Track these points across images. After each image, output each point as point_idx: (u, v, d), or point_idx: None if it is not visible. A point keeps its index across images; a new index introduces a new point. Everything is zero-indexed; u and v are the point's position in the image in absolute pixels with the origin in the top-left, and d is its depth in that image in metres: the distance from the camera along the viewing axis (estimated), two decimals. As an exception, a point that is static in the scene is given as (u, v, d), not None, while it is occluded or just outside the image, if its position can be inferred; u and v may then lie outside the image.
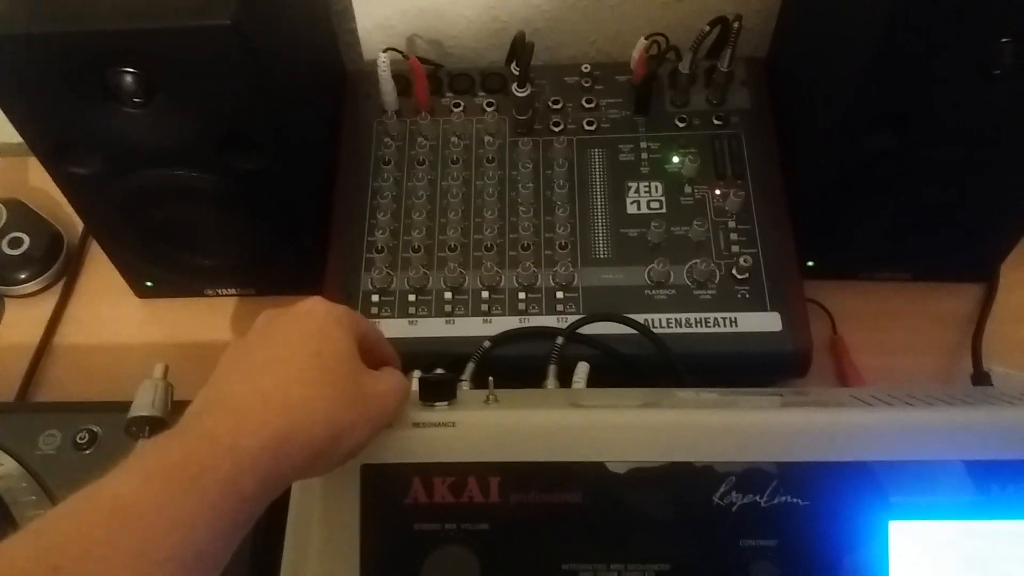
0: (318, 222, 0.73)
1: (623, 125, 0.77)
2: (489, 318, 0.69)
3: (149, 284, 0.79)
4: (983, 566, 0.45)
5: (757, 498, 0.44)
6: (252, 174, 0.65)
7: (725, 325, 0.67)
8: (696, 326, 0.67)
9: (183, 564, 0.33)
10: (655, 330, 0.67)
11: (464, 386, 0.63)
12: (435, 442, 0.47)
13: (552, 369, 0.64)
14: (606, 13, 0.83)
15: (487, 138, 0.76)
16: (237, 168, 0.64)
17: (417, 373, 0.53)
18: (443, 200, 0.73)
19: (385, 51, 0.75)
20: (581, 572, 0.45)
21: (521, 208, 0.73)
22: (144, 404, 0.57)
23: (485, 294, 0.70)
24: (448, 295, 0.70)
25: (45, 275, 0.82)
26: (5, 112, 0.61)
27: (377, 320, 0.69)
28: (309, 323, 0.43)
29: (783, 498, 0.44)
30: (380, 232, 0.72)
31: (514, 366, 0.66)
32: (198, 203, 0.68)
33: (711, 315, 0.68)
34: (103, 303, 0.82)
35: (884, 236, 0.71)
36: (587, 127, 0.76)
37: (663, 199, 0.73)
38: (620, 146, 0.76)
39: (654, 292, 0.69)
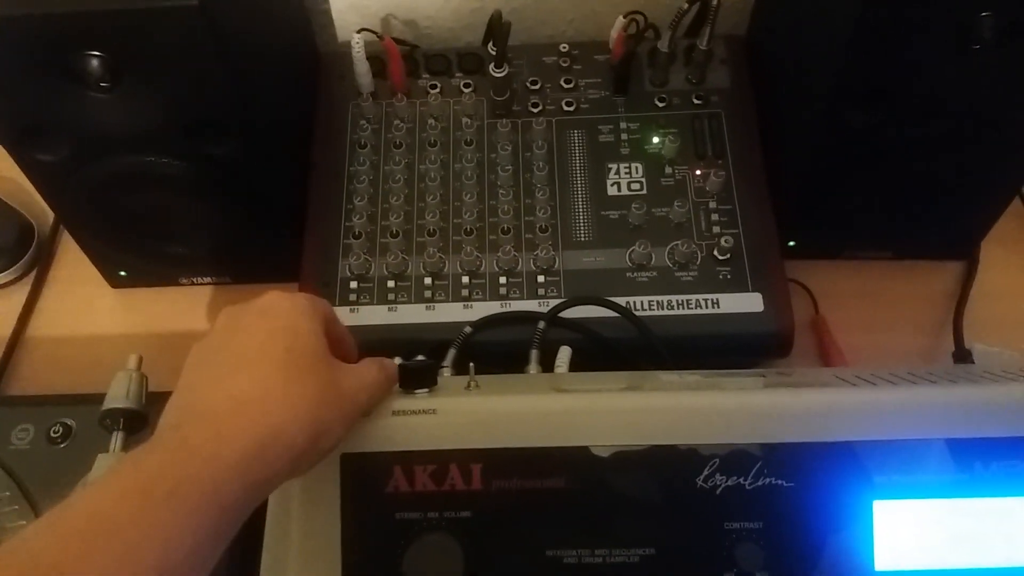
0: (294, 208, 0.72)
1: (602, 105, 0.76)
2: (470, 303, 0.68)
3: (123, 274, 0.77)
4: (968, 544, 0.45)
5: (741, 480, 0.44)
6: (223, 159, 0.63)
7: (707, 306, 0.67)
8: (678, 308, 0.67)
9: (162, 573, 0.32)
10: (637, 312, 0.66)
11: (445, 372, 0.62)
12: (416, 430, 0.46)
13: (534, 354, 0.63)
14: (584, -9, 0.82)
15: (465, 120, 0.75)
16: (208, 153, 0.63)
17: (397, 360, 0.52)
18: (421, 184, 0.72)
19: (359, 32, 0.74)
20: (565, 558, 0.45)
21: (500, 191, 0.72)
22: (118, 396, 0.56)
23: (465, 279, 0.69)
24: (428, 280, 0.69)
25: (16, 266, 0.80)
26: (-32, 98, 0.60)
27: (356, 307, 0.68)
28: (274, 319, 0.42)
29: (767, 480, 0.44)
30: (357, 217, 0.70)
31: (496, 351, 0.65)
32: (169, 190, 0.66)
33: (693, 297, 0.67)
34: (76, 294, 0.80)
35: (865, 215, 0.71)
36: (566, 108, 0.75)
37: (643, 180, 0.72)
38: (600, 127, 0.75)
39: (636, 274, 0.68)
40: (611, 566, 0.44)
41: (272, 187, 0.69)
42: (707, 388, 0.50)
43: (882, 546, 0.44)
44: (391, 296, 0.68)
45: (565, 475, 0.45)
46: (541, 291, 0.68)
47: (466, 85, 0.76)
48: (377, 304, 0.68)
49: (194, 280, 0.78)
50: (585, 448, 0.45)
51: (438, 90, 0.76)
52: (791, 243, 0.73)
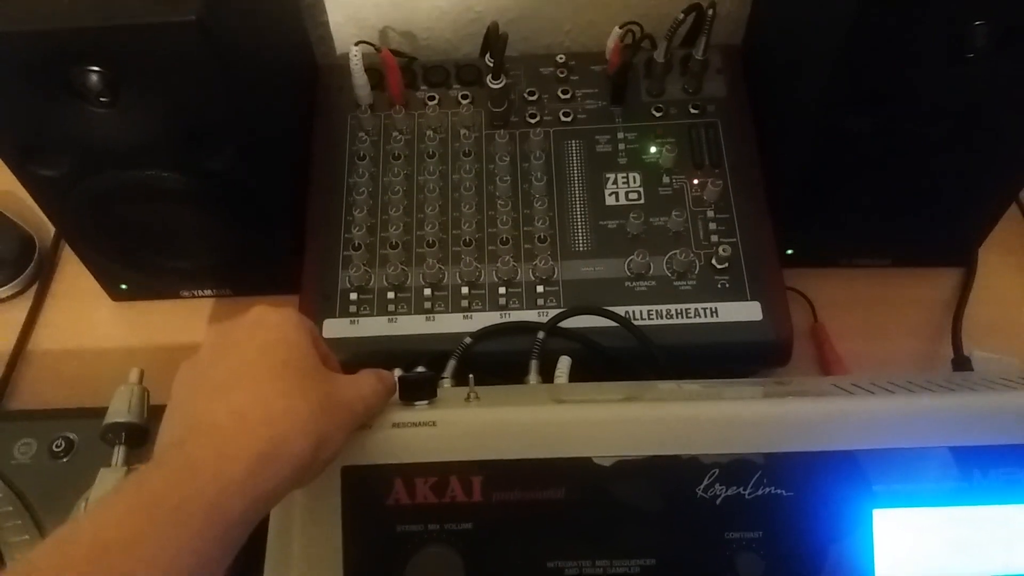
0: (293, 220, 0.72)
1: (599, 116, 0.76)
2: (470, 314, 0.68)
3: (124, 287, 0.78)
4: (968, 552, 0.45)
5: (741, 490, 0.44)
6: (222, 173, 0.64)
7: (705, 315, 0.67)
8: (677, 317, 0.67)
9: None
10: (636, 322, 0.66)
11: (445, 383, 0.62)
12: (416, 442, 0.46)
13: (534, 364, 0.63)
14: (580, 1, 0.82)
15: (463, 131, 0.75)
16: (207, 167, 0.63)
17: (397, 372, 0.52)
18: (420, 195, 0.73)
19: (357, 44, 0.74)
20: (566, 569, 0.45)
21: (499, 202, 0.72)
22: (120, 410, 0.56)
23: (465, 290, 0.69)
24: (428, 291, 0.69)
25: (17, 280, 0.80)
26: (-31, 114, 0.60)
27: (356, 319, 0.68)
28: (267, 333, 0.42)
29: (767, 489, 0.44)
30: (357, 229, 0.71)
31: (496, 362, 0.65)
32: (169, 203, 0.66)
33: (691, 306, 0.67)
34: (77, 307, 0.80)
35: (863, 222, 0.71)
36: (563, 118, 0.76)
37: (641, 190, 0.72)
38: (597, 137, 0.75)
39: (634, 284, 0.69)
40: (612, 577, 0.45)
41: (271, 200, 0.69)
42: (706, 398, 0.50)
43: (882, 554, 0.44)
44: (391, 307, 0.68)
45: (565, 486, 0.45)
46: (540, 301, 0.68)
47: (464, 96, 0.77)
48: (377, 315, 0.68)
49: (195, 293, 0.78)
50: (585, 459, 0.45)
51: (436, 101, 0.77)
52: (789, 251, 0.73)
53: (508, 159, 0.74)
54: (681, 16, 0.71)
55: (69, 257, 0.81)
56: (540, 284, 0.69)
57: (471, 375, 0.53)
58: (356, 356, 0.63)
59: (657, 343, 0.65)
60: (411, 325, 0.68)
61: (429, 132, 0.75)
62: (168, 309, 0.79)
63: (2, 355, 0.77)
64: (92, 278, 0.77)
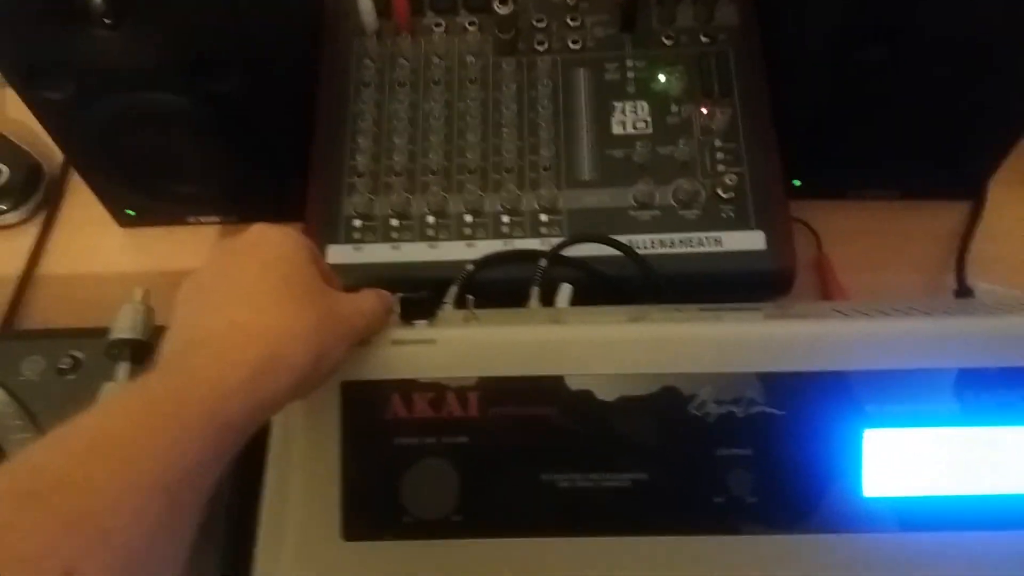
0: (298, 146, 0.72)
1: (609, 44, 0.75)
2: (472, 242, 0.68)
3: (130, 213, 0.78)
4: (956, 472, 0.45)
5: (733, 408, 0.45)
6: (227, 96, 0.64)
7: (709, 244, 0.67)
8: (680, 246, 0.67)
9: (164, 489, 0.33)
10: (639, 251, 0.66)
11: (447, 308, 0.63)
12: (415, 359, 0.47)
13: (535, 291, 0.63)
14: (592, -73, 0.80)
15: (469, 58, 0.74)
16: (211, 90, 0.63)
17: (399, 295, 0.53)
18: (424, 123, 0.72)
19: (363, -31, 0.73)
20: (559, 482, 0.46)
21: (504, 130, 0.71)
22: (124, 327, 0.57)
23: (468, 218, 0.69)
24: (431, 219, 0.69)
25: (25, 206, 0.81)
26: (-27, 38, 0.60)
27: (360, 245, 0.69)
28: (267, 251, 0.43)
29: (759, 408, 0.45)
30: (361, 156, 0.70)
31: (498, 289, 0.65)
32: (175, 128, 0.66)
33: (695, 235, 0.67)
34: (85, 233, 0.81)
35: (872, 155, 0.70)
36: (572, 46, 0.74)
37: (649, 119, 0.72)
38: (606, 65, 0.74)
39: (639, 213, 0.68)
40: (604, 490, 0.45)
41: (276, 125, 0.69)
42: (702, 319, 0.50)
43: (871, 473, 0.45)
44: (394, 235, 0.69)
45: (558, 402, 0.46)
46: (544, 230, 0.68)
47: (471, 23, 0.76)
48: (381, 242, 0.69)
49: (201, 219, 0.79)
50: (578, 376, 0.46)
51: (443, 28, 0.76)
52: (797, 183, 0.73)
53: (514, 87, 0.73)
54: (693, -59, 0.70)
55: (77, 184, 0.81)
56: (544, 213, 0.69)
57: (470, 297, 0.53)
58: (360, 282, 0.62)
59: (660, 272, 0.65)
60: (414, 252, 0.68)
61: (435, 59, 0.74)
62: (175, 235, 0.79)
63: (11, 279, 0.78)
64: (100, 206, 0.77)
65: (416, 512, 0.46)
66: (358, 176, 0.70)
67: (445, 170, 0.70)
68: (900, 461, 0.45)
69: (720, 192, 0.68)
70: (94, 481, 0.31)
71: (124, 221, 0.79)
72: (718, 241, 0.67)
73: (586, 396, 0.46)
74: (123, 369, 0.57)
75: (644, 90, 0.73)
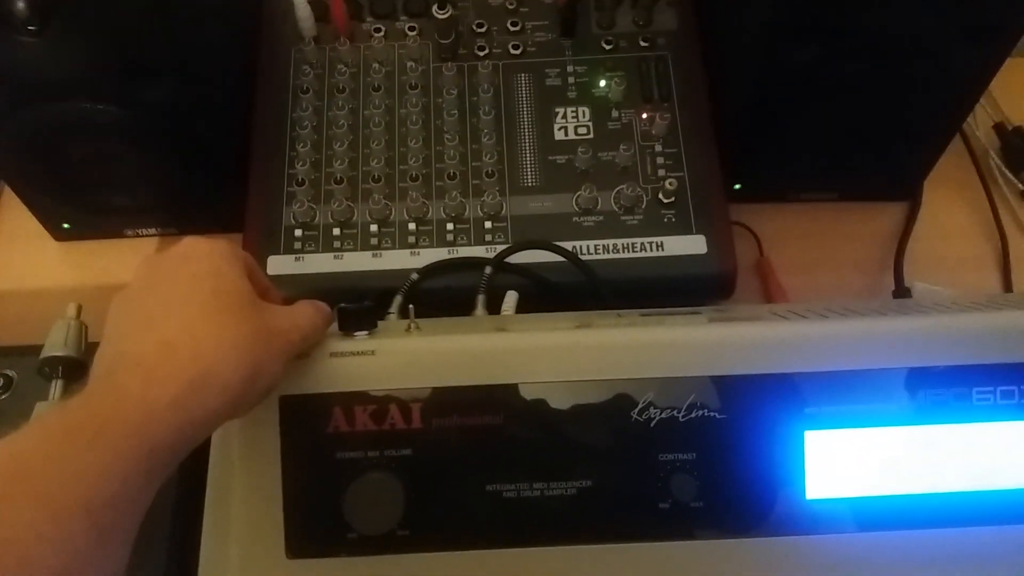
0: (236, 156, 0.71)
1: (549, 49, 0.75)
2: (417, 250, 0.68)
3: (66, 226, 0.76)
4: (897, 471, 0.46)
5: (675, 412, 0.45)
6: (160, 105, 0.62)
7: (651, 249, 0.67)
8: (623, 251, 0.67)
9: (89, 513, 0.32)
10: (583, 257, 0.66)
11: (391, 319, 0.62)
12: (354, 371, 0.46)
13: (481, 299, 0.63)
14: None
15: (410, 64, 0.74)
16: (143, 99, 0.62)
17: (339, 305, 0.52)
18: (365, 129, 0.71)
19: (300, -25, 0.72)
20: (505, 492, 0.45)
21: (447, 136, 0.71)
22: (56, 343, 0.55)
23: (412, 226, 0.68)
24: (374, 228, 0.68)
25: (-45, 221, 0.78)
26: None
27: (301, 255, 0.68)
28: (197, 265, 0.42)
29: (700, 412, 0.45)
30: (301, 164, 0.70)
31: (443, 298, 0.65)
32: (107, 138, 0.65)
33: (638, 240, 0.67)
34: (20, 248, 0.79)
35: (809, 156, 0.71)
36: (513, 51, 0.74)
37: (590, 124, 0.72)
38: (546, 70, 0.74)
39: (582, 219, 0.68)
40: (549, 499, 0.45)
41: (213, 134, 0.67)
42: (643, 324, 0.50)
43: (813, 475, 0.45)
44: (336, 244, 0.68)
45: (503, 412, 0.46)
46: (488, 237, 0.68)
47: (411, 28, 0.75)
48: (323, 252, 0.68)
49: (139, 232, 0.77)
50: (521, 385, 0.46)
51: (382, 34, 0.75)
52: (737, 186, 0.74)
53: (456, 93, 0.73)
54: (630, -54, 0.70)
55: (10, 198, 0.78)
56: (488, 220, 0.69)
57: (411, 306, 0.53)
58: (301, 293, 0.61)
59: (604, 277, 0.65)
60: (357, 261, 0.67)
61: (375, 65, 0.74)
62: (112, 248, 0.77)
63: (-58, 297, 0.75)
64: (35, 219, 0.75)
65: (361, 527, 0.45)
66: (298, 185, 0.69)
67: (388, 177, 0.70)
68: (842, 462, 0.46)
69: (661, 197, 0.68)
70: (16, 510, 0.30)
71: (59, 235, 0.77)
72: (660, 246, 0.67)
73: (531, 404, 0.46)
74: (56, 388, 0.55)
75: (585, 95, 0.73)
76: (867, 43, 0.60)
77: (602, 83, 0.73)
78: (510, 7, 0.76)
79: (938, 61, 0.62)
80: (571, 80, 0.74)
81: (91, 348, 0.57)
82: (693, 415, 0.45)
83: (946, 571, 0.46)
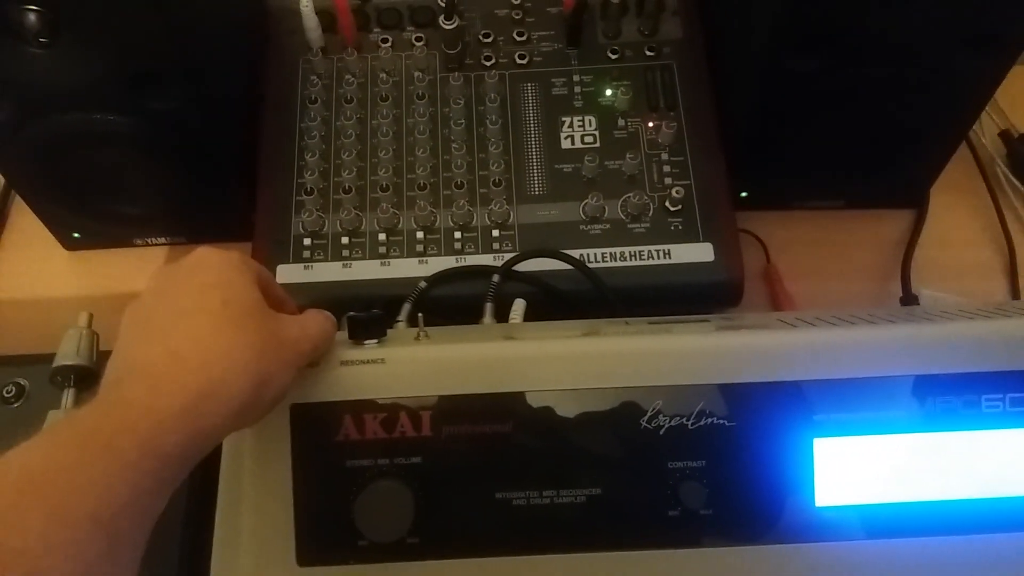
0: (245, 165, 0.71)
1: (555, 58, 0.75)
2: (425, 259, 0.68)
3: (76, 235, 0.76)
4: (906, 479, 0.46)
5: (684, 420, 0.45)
6: (169, 115, 0.62)
7: (659, 257, 0.67)
8: (630, 259, 0.67)
9: (99, 523, 0.32)
10: (591, 265, 0.67)
11: (400, 327, 0.62)
12: (364, 379, 0.47)
13: (489, 307, 0.64)
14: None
15: (417, 74, 0.74)
16: (153, 109, 0.62)
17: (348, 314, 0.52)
18: (373, 139, 0.72)
19: (308, -14, 0.72)
20: (514, 500, 0.46)
21: (454, 145, 0.71)
22: (68, 352, 0.56)
23: (420, 234, 0.69)
24: (382, 236, 0.69)
25: (-34, 231, 0.79)
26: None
27: (310, 264, 0.68)
28: (207, 274, 0.42)
29: (709, 419, 0.45)
30: (309, 173, 0.70)
31: (451, 306, 0.65)
32: (117, 148, 0.65)
33: (645, 248, 0.68)
34: (30, 257, 0.79)
35: (815, 164, 0.71)
36: (519, 61, 0.75)
37: (597, 133, 0.72)
38: (553, 80, 0.74)
39: (589, 227, 0.69)
40: (559, 507, 0.45)
41: (221, 144, 0.68)
42: (651, 332, 0.51)
43: (822, 482, 0.46)
44: (345, 252, 0.68)
45: (512, 420, 0.46)
46: (496, 245, 0.68)
47: (418, 39, 0.76)
48: (331, 261, 0.68)
49: (148, 241, 0.77)
50: (530, 393, 0.46)
51: (389, 44, 0.76)
52: (744, 194, 0.74)
53: (463, 102, 0.73)
54: (636, -45, 0.70)
55: (20, 207, 0.79)
56: (496, 228, 0.69)
57: (420, 314, 0.53)
58: (310, 302, 0.62)
59: (611, 285, 0.66)
60: (366, 270, 0.68)
61: (382, 75, 0.74)
62: (122, 257, 0.78)
63: (-47, 306, 0.76)
64: (45, 228, 0.76)
65: (371, 535, 0.45)
66: (307, 194, 0.69)
67: (396, 187, 0.70)
68: (851, 470, 0.46)
69: (668, 205, 0.69)
70: (26, 519, 0.30)
71: (70, 244, 0.77)
72: (667, 254, 0.67)
73: (540, 412, 0.46)
74: (68, 396, 0.56)
75: (591, 104, 0.73)
76: (872, 51, 0.61)
77: (608, 92, 0.73)
78: (516, 17, 0.77)
79: (943, 70, 0.62)
80: (577, 89, 0.74)
81: (103, 357, 0.57)
82: (702, 423, 0.45)
83: (956, 578, 0.46)
